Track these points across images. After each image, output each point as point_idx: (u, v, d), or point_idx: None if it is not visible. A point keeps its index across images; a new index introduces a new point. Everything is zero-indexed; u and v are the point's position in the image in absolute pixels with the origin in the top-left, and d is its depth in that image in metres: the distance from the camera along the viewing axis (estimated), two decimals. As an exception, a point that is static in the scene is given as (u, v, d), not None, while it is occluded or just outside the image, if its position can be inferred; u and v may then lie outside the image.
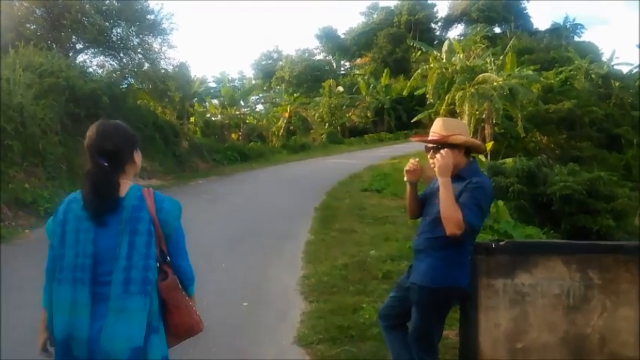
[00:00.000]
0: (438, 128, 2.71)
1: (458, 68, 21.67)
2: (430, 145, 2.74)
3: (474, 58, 23.64)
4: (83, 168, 2.12)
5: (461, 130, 2.72)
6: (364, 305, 4.60)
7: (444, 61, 22.83)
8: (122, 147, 1.96)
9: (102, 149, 1.91)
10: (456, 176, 2.62)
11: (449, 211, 2.48)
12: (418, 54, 38.03)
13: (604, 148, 24.98)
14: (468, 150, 2.72)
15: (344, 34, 56.71)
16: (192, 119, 25.71)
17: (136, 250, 1.83)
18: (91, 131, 1.94)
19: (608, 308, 2.81)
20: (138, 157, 2.04)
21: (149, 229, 1.87)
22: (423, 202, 2.85)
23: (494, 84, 20.13)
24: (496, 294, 2.80)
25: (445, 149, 2.62)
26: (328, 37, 55.64)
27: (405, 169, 2.82)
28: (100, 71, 16.01)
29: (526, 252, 2.83)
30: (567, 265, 2.80)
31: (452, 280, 2.65)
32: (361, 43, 51.56)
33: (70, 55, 14.93)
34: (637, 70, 32.93)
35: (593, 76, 30.31)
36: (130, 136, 2.03)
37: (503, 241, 2.86)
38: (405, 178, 2.83)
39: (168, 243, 1.94)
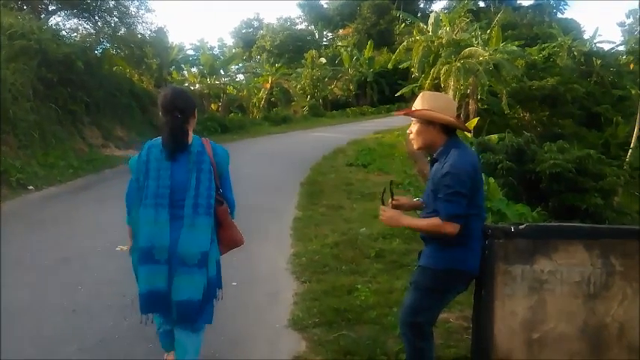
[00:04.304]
0: (416, 102, 2.61)
1: (444, 42, 21.34)
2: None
3: (459, 32, 23.31)
4: (159, 120, 2.72)
5: (438, 105, 2.55)
6: (359, 286, 4.41)
7: (430, 34, 22.44)
8: (189, 105, 2.65)
9: (175, 106, 2.58)
10: (434, 160, 2.56)
11: (429, 230, 2.52)
12: (402, 26, 37.45)
13: (583, 126, 25.14)
14: (449, 127, 2.55)
15: (327, 3, 55.43)
16: (170, 88, 24.92)
17: (201, 183, 2.54)
18: (165, 93, 2.65)
19: (629, 296, 2.65)
20: (195, 113, 2.70)
21: (210, 168, 2.58)
22: None
23: (480, 59, 19.91)
24: (514, 281, 2.62)
25: (386, 208, 2.63)
26: (311, 6, 54.33)
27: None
28: (73, 35, 15.27)
29: (546, 236, 2.64)
30: (589, 251, 2.63)
31: (455, 263, 2.52)
32: (345, 13, 50.52)
33: (42, 17, 14.16)
34: (618, 48, 33.13)
35: (575, 53, 30.29)
36: (193, 98, 2.78)
37: (522, 224, 2.66)
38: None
39: (221, 180, 2.67)
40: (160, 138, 2.63)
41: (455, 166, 2.40)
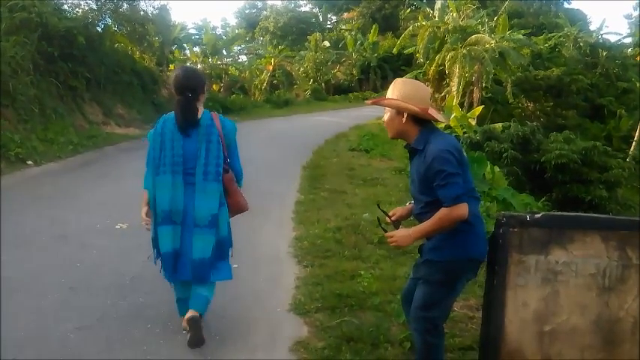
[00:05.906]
0: (389, 90, 2.52)
1: (450, 28, 21.06)
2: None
3: (465, 18, 23.03)
4: (173, 98, 3.00)
5: (406, 93, 2.43)
6: (362, 272, 4.35)
7: (436, 19, 22.13)
8: (200, 83, 2.94)
9: (186, 86, 2.88)
10: (414, 150, 2.45)
11: (442, 225, 2.35)
12: (408, 11, 36.99)
13: (587, 118, 24.97)
14: (421, 118, 2.44)
15: (332, -15, 54.71)
16: (171, 66, 24.60)
17: (210, 153, 2.86)
18: (177, 73, 2.97)
19: (644, 290, 2.57)
20: (205, 90, 2.98)
21: (218, 140, 2.89)
22: None
23: (487, 46, 19.67)
24: (527, 271, 2.53)
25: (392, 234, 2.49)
26: (315, -12, 53.61)
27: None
28: (75, 10, 14.99)
29: (562, 226, 2.55)
30: (605, 242, 2.54)
31: (461, 251, 2.44)
32: (349, -4, 49.90)
33: (43, -10, 13.85)
34: (625, 40, 32.77)
35: (581, 44, 29.94)
36: (203, 76, 3.12)
37: (538, 213, 2.57)
38: None
39: (228, 150, 2.99)
40: (173, 112, 2.94)
41: (437, 150, 2.33)
